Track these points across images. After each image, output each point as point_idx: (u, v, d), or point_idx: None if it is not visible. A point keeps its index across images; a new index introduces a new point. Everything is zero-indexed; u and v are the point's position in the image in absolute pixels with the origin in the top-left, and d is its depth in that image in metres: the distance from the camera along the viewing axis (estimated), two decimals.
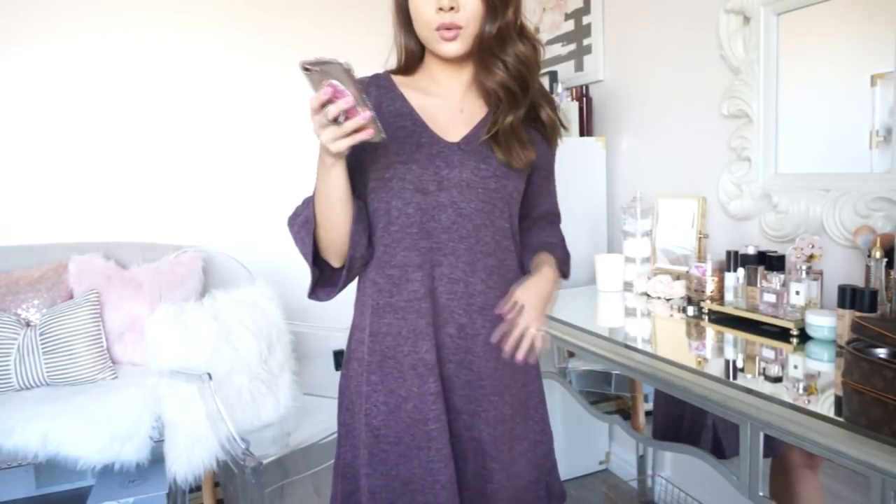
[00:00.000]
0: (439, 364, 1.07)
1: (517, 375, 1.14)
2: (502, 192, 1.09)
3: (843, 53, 1.55)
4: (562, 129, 1.29)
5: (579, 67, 2.57)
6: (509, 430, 1.12)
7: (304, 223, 1.10)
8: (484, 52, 1.06)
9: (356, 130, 0.89)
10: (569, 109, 2.39)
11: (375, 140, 0.92)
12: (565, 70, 2.64)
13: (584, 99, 2.41)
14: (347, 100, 0.88)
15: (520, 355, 1.02)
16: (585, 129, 2.41)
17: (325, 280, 1.14)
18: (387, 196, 1.07)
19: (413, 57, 1.14)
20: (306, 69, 0.87)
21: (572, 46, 2.61)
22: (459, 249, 1.07)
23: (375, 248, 1.10)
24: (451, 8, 1.00)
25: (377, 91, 1.11)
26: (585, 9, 2.51)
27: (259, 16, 2.71)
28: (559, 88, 2.44)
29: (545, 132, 1.15)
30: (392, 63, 1.16)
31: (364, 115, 0.88)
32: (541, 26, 2.85)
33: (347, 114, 0.89)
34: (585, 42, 2.52)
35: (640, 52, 2.24)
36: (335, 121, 0.89)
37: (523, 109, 1.09)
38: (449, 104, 1.12)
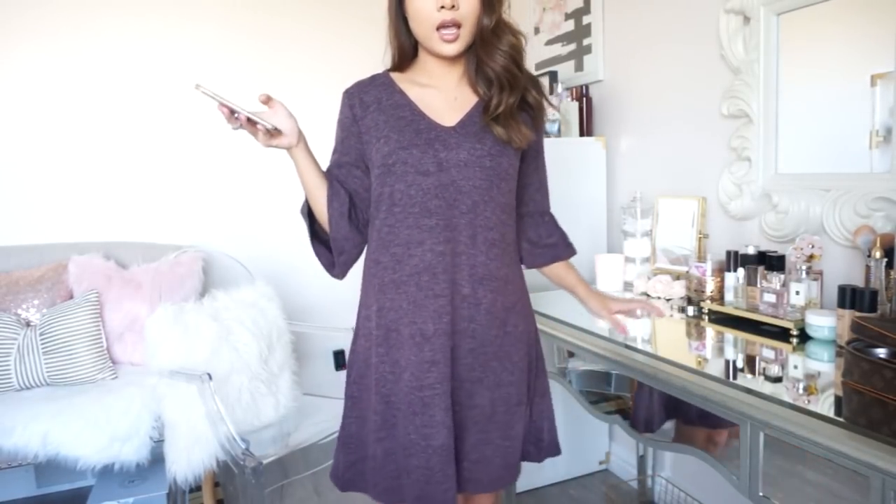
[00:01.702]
0: (443, 335, 1.14)
1: (518, 345, 1.23)
2: (497, 169, 1.17)
3: (843, 53, 1.55)
4: (552, 110, 1.38)
5: (579, 67, 2.57)
6: (507, 394, 1.21)
7: (304, 205, 1.26)
8: (486, 44, 1.16)
9: (254, 126, 1.12)
10: (569, 109, 2.39)
11: (269, 127, 1.13)
12: (565, 70, 2.64)
13: (584, 99, 2.41)
14: (223, 111, 1.10)
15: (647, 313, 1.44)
16: (585, 129, 2.41)
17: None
18: (390, 180, 1.16)
19: (406, 54, 1.23)
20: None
21: (572, 46, 2.61)
22: (461, 225, 1.15)
23: (378, 230, 1.19)
24: (452, 6, 1.09)
25: (376, 90, 1.22)
26: (585, 9, 2.51)
27: (257, 18, 2.71)
28: (559, 88, 2.44)
29: (532, 113, 1.24)
30: (388, 60, 1.26)
31: (240, 117, 1.10)
32: (541, 26, 2.84)
33: (240, 119, 1.11)
34: (585, 42, 2.52)
35: (640, 52, 2.24)
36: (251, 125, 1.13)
37: (519, 93, 1.19)
38: (444, 93, 1.21)
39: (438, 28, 1.11)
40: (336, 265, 1.25)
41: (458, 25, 1.11)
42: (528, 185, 1.31)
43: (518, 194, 1.28)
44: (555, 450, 1.35)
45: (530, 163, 1.29)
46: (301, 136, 1.19)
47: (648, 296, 2.00)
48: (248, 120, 1.11)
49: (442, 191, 1.14)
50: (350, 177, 1.24)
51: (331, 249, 1.25)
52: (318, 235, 1.27)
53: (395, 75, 1.24)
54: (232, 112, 1.10)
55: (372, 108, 1.20)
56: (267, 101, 1.15)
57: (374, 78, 1.24)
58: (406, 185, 1.15)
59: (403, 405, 1.15)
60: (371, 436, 1.20)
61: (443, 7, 1.09)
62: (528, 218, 1.32)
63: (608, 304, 1.35)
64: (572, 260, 1.40)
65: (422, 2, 1.11)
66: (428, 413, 1.13)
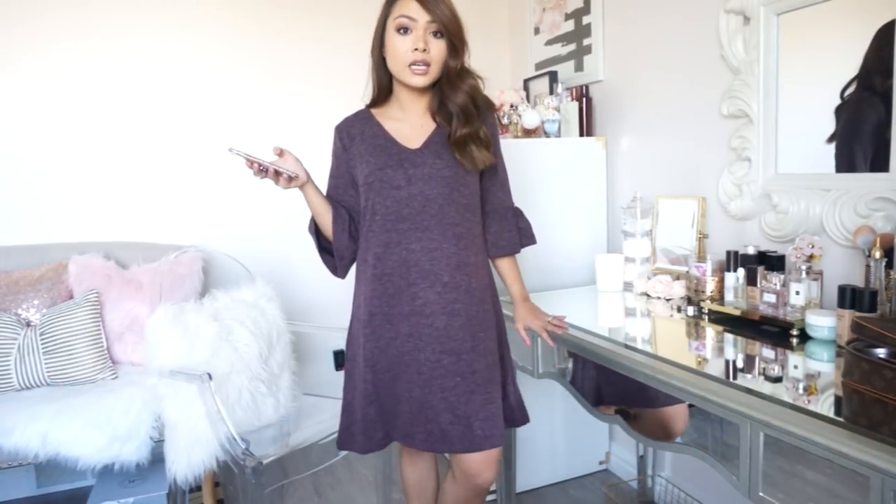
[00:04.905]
0: (415, 315, 1.42)
1: (492, 319, 1.52)
2: (456, 177, 1.44)
3: (843, 53, 1.55)
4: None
5: (579, 67, 2.57)
6: (495, 360, 1.49)
7: (312, 227, 1.57)
8: (451, 83, 1.43)
9: (279, 175, 1.39)
10: (568, 109, 2.39)
11: (292, 175, 1.40)
12: (565, 70, 2.64)
13: (584, 99, 2.41)
14: (254, 166, 1.36)
15: (550, 343, 1.62)
16: (585, 129, 2.41)
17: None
18: (371, 195, 1.45)
19: (383, 89, 1.50)
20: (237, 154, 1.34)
21: (572, 46, 2.61)
22: (431, 225, 1.42)
23: (365, 235, 1.47)
24: (424, 49, 1.36)
25: (359, 124, 1.51)
26: (585, 9, 2.51)
27: (257, 20, 2.71)
28: (559, 88, 2.44)
29: (486, 144, 1.48)
30: (369, 93, 1.53)
31: (269, 171, 1.37)
32: (541, 26, 2.85)
33: (265, 170, 1.37)
34: (585, 42, 2.52)
35: (640, 52, 2.24)
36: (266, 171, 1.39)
37: (478, 124, 1.46)
38: (412, 123, 1.49)
39: (410, 65, 1.37)
40: (339, 269, 1.56)
41: (427, 64, 1.37)
42: (490, 187, 1.56)
43: (483, 196, 1.55)
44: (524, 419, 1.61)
45: (489, 171, 1.54)
46: (308, 175, 1.46)
47: (648, 296, 2.00)
48: (275, 171, 1.38)
49: (411, 200, 1.42)
50: (346, 195, 1.53)
51: (332, 256, 1.55)
52: (323, 247, 1.57)
53: (374, 111, 1.52)
54: (260, 167, 1.36)
55: (357, 139, 1.49)
56: (280, 152, 1.40)
57: (357, 114, 1.53)
58: (383, 198, 1.43)
59: (394, 367, 1.43)
60: (360, 401, 1.47)
61: (416, 49, 1.36)
62: (493, 214, 1.58)
63: (523, 320, 1.64)
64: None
65: (399, 43, 1.37)
66: (411, 370, 1.42)
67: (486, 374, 1.43)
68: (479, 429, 1.39)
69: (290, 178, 1.41)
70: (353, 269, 1.56)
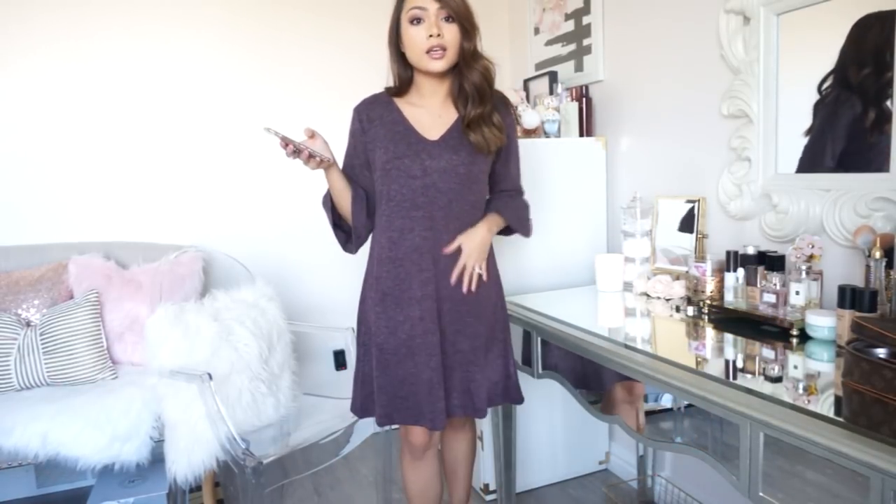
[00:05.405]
0: (428, 299, 1.51)
1: (487, 305, 1.61)
2: (469, 174, 1.54)
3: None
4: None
5: (579, 67, 2.57)
6: (483, 343, 1.59)
7: (326, 202, 1.64)
8: (465, 63, 1.50)
9: (311, 158, 1.48)
10: (568, 110, 2.39)
11: (324, 158, 1.49)
12: (565, 70, 2.64)
13: (584, 99, 2.41)
14: (289, 148, 1.44)
15: (464, 287, 1.54)
16: (585, 129, 2.41)
17: (350, 241, 1.66)
18: (387, 181, 1.52)
19: (404, 82, 1.57)
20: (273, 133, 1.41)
21: (572, 46, 2.61)
22: (439, 216, 1.52)
23: (379, 218, 1.56)
24: (438, 35, 1.44)
25: (379, 107, 1.57)
26: (585, 9, 2.51)
27: (258, 20, 2.71)
28: (559, 88, 2.44)
29: (499, 127, 1.55)
30: (390, 81, 1.59)
31: (303, 154, 1.46)
32: (541, 26, 2.84)
33: (298, 150, 1.45)
34: (585, 42, 2.52)
35: (640, 52, 2.24)
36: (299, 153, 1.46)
37: (490, 105, 1.53)
38: (431, 112, 1.56)
39: (428, 51, 1.45)
40: (354, 245, 1.65)
41: (443, 48, 1.45)
42: (506, 171, 1.66)
43: (497, 178, 1.65)
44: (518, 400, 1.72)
45: (502, 157, 1.64)
46: (334, 158, 1.55)
47: (648, 296, 2.00)
48: (308, 154, 1.46)
49: (425, 190, 1.50)
50: (361, 176, 1.61)
51: (345, 232, 1.66)
52: (335, 222, 1.65)
53: (395, 98, 1.58)
54: (295, 149, 1.43)
55: (376, 122, 1.55)
56: (312, 134, 1.50)
57: (376, 97, 1.60)
58: (399, 185, 1.50)
59: (402, 349, 1.52)
60: (374, 373, 1.56)
61: (431, 36, 1.44)
62: (504, 193, 1.68)
63: (463, 238, 1.54)
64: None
65: (414, 33, 1.46)
66: (415, 358, 1.52)
67: (469, 354, 1.56)
68: (455, 398, 1.55)
69: (321, 161, 1.49)
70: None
